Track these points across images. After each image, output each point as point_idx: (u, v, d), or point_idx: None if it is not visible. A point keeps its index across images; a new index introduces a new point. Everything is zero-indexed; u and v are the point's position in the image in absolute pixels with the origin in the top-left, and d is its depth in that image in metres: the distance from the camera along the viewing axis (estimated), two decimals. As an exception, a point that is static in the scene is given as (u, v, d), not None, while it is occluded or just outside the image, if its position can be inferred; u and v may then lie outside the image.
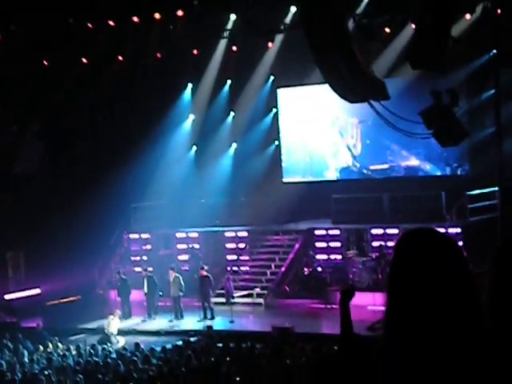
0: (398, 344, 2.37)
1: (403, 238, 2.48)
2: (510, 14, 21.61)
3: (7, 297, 25.99)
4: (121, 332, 22.44)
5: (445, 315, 2.33)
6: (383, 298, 2.46)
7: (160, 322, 24.26)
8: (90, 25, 25.11)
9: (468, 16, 22.83)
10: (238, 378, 14.29)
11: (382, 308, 2.47)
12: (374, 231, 25.21)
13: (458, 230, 23.54)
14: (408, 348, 2.35)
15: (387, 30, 24.07)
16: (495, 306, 2.48)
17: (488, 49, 23.37)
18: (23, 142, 28.44)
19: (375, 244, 24.98)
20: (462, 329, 2.33)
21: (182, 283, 24.28)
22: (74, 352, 18.25)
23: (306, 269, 25.67)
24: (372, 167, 28.30)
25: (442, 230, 2.57)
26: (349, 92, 17.01)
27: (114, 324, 22.31)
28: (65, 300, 25.92)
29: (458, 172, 26.69)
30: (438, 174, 27.02)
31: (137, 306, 25.28)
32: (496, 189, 22.17)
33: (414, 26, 18.74)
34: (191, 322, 23.77)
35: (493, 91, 22.63)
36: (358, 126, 28.34)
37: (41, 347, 19.35)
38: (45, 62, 26.63)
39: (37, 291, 26.33)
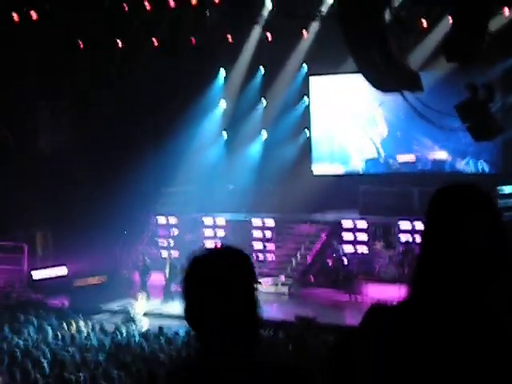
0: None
1: (445, 191, 2.40)
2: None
3: (35, 276, 26.21)
4: (144, 314, 22.53)
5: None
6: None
7: (180, 307, 24.24)
8: (125, 7, 25.12)
9: (507, 12, 22.53)
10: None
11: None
12: (402, 225, 25.00)
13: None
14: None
15: (424, 22, 23.84)
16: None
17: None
18: (51, 117, 28.49)
19: (403, 238, 24.81)
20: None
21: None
22: (98, 332, 18.34)
23: (330, 260, 25.60)
24: (398, 157, 28.09)
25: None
26: (382, 82, 16.85)
27: (139, 305, 22.41)
28: (91, 282, 26.11)
29: (489, 168, 26.39)
30: (467, 169, 26.73)
31: (157, 288, 25.27)
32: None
33: (451, 18, 18.49)
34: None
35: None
36: (382, 113, 28.15)
37: (65, 325, 19.45)
38: (79, 42, 26.62)
39: (64, 271, 26.52)
